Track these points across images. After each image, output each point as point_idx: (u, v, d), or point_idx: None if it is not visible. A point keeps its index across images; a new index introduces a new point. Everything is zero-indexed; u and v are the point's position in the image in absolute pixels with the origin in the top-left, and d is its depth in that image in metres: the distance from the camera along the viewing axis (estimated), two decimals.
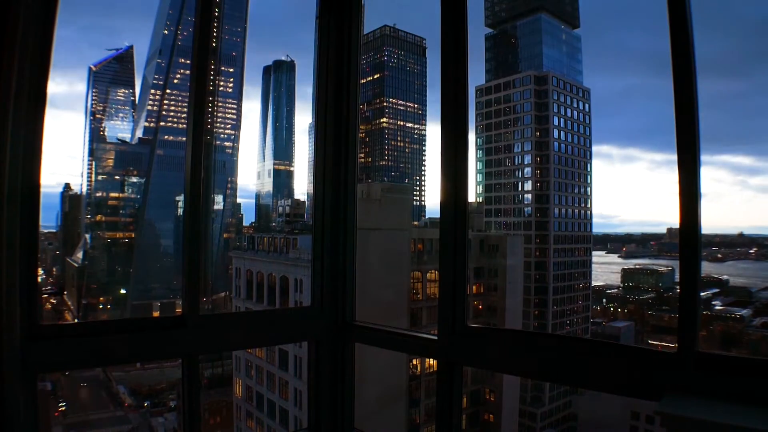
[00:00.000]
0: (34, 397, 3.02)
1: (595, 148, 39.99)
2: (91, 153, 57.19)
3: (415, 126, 59.79)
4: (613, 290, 42.57)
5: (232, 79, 61.11)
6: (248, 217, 63.53)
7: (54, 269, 58.43)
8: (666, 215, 74.73)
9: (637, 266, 44.03)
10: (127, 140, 59.32)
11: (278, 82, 71.56)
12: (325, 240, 4.34)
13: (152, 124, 57.77)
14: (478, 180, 41.11)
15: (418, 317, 27.58)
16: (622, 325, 38.84)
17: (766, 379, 2.39)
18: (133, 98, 61.27)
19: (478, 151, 41.35)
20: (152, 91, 58.52)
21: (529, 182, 38.77)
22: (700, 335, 2.67)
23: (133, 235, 55.03)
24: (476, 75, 42.94)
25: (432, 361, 22.72)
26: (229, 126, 60.83)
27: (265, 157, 71.72)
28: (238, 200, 61.38)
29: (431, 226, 32.90)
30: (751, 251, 42.46)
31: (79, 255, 54.95)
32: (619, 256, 46.90)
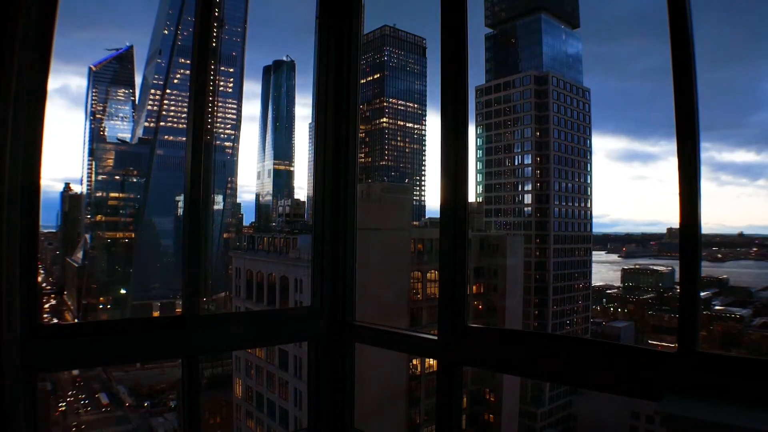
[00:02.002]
0: (34, 397, 3.03)
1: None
2: (91, 153, 57.18)
3: (415, 126, 59.73)
4: (613, 290, 42.56)
5: (232, 79, 61.12)
6: (248, 217, 63.46)
7: (54, 269, 58.44)
8: (662, 215, 73.06)
9: (637, 266, 44.01)
10: (127, 140, 59.31)
11: (278, 82, 71.49)
12: (325, 240, 4.34)
13: (152, 124, 57.76)
14: (478, 180, 41.10)
15: (418, 317, 27.57)
16: (622, 325, 38.81)
17: (766, 379, 2.39)
18: (133, 98, 61.26)
19: (478, 151, 41.34)
20: (152, 91, 58.52)
21: (529, 182, 38.76)
22: (700, 335, 2.67)
23: (133, 235, 55.01)
24: (476, 75, 42.91)
25: (432, 361, 22.71)
26: (229, 126, 60.84)
27: (265, 157, 71.69)
28: (238, 200, 61.37)
29: (431, 226, 32.88)
30: (751, 251, 42.44)
31: (79, 255, 54.94)
32: (619, 256, 46.89)
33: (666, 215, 71.68)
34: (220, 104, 59.77)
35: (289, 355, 28.17)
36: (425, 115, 59.98)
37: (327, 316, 4.31)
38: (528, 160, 39.28)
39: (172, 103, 58.27)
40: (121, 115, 60.57)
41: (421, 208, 56.20)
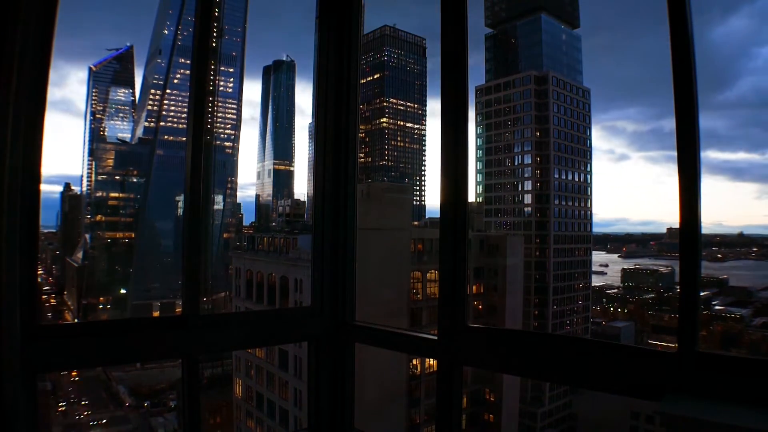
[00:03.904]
0: (34, 397, 3.02)
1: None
2: (91, 153, 57.19)
3: (415, 126, 59.77)
4: (613, 290, 42.56)
5: (232, 79, 61.10)
6: (248, 217, 63.48)
7: (54, 269, 58.43)
8: (651, 214, 71.24)
9: (637, 266, 44.01)
10: (127, 140, 59.31)
11: (278, 82, 71.53)
12: (325, 240, 4.34)
13: (152, 124, 57.75)
14: (478, 180, 41.11)
15: (418, 317, 27.56)
16: (622, 325, 38.82)
17: (766, 379, 2.39)
18: (133, 98, 61.28)
19: (478, 151, 41.35)
20: (152, 91, 58.50)
21: (529, 182, 38.76)
22: (700, 335, 2.67)
23: (133, 235, 55.00)
24: (476, 75, 42.91)
25: (432, 361, 22.70)
26: (229, 126, 60.81)
27: (265, 157, 71.74)
28: (238, 200, 61.36)
29: (431, 226, 32.88)
30: (752, 251, 42.45)
31: (79, 255, 54.93)
32: (619, 256, 46.90)
33: (659, 215, 70.06)
34: (220, 104, 59.77)
35: (289, 355, 28.17)
36: (425, 115, 60.02)
37: (327, 316, 4.30)
38: (528, 160, 39.27)
39: (172, 103, 58.26)
40: (121, 115, 60.59)
41: (421, 208, 56.22)
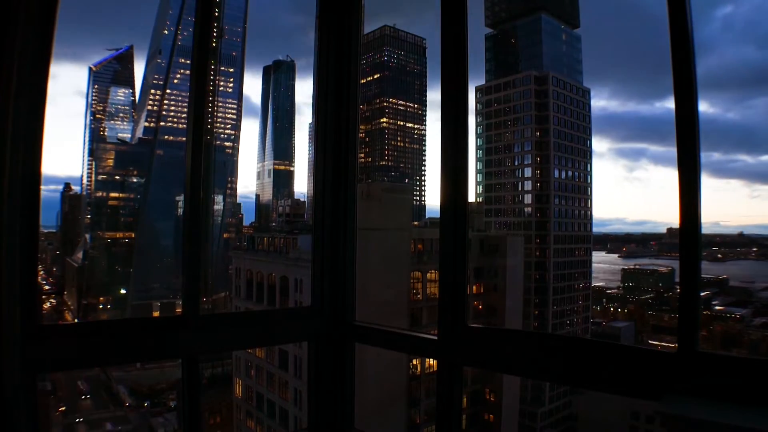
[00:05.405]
0: (34, 397, 3.02)
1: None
2: (91, 153, 57.26)
3: (415, 126, 59.84)
4: (613, 290, 42.57)
5: (232, 79, 61.13)
6: (248, 217, 63.61)
7: (54, 269, 58.45)
8: (642, 214, 70.00)
9: (637, 266, 44.04)
10: (127, 140, 59.36)
11: (278, 82, 71.64)
12: (325, 240, 4.33)
13: (152, 124, 57.77)
14: (478, 180, 41.13)
15: (418, 317, 27.57)
16: (622, 325, 38.85)
17: (766, 379, 2.38)
18: (133, 98, 61.35)
19: (478, 151, 41.36)
20: (152, 91, 58.53)
21: (529, 182, 38.77)
22: (700, 335, 2.67)
23: (133, 235, 55.03)
24: (476, 75, 42.93)
25: (432, 361, 22.69)
26: (229, 126, 60.85)
27: (265, 157, 71.83)
28: (238, 200, 61.44)
29: (431, 226, 32.91)
30: (751, 251, 42.47)
31: (79, 255, 54.96)
32: (619, 256, 46.92)
33: (648, 214, 68.45)
34: (220, 104, 59.80)
35: (289, 355, 28.18)
36: (425, 115, 60.13)
37: (327, 316, 4.30)
38: (528, 160, 39.29)
39: (172, 103, 58.29)
40: (121, 115, 60.64)
41: (421, 208, 56.32)
